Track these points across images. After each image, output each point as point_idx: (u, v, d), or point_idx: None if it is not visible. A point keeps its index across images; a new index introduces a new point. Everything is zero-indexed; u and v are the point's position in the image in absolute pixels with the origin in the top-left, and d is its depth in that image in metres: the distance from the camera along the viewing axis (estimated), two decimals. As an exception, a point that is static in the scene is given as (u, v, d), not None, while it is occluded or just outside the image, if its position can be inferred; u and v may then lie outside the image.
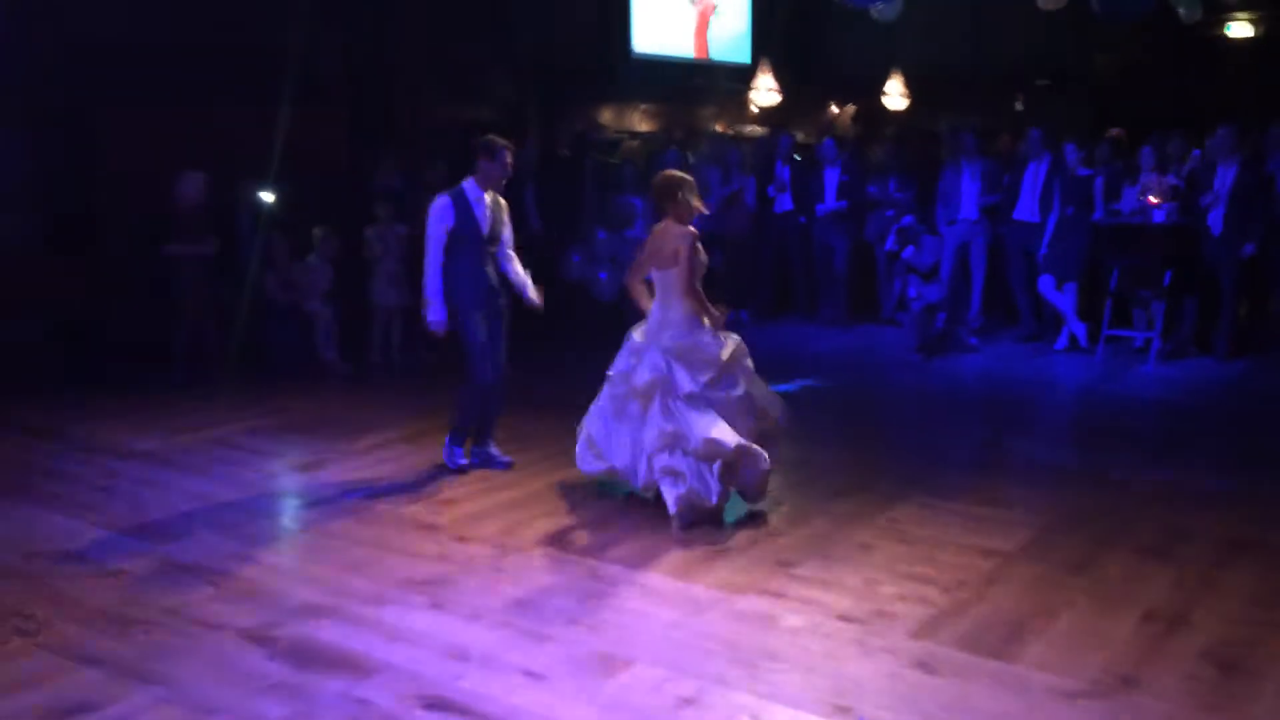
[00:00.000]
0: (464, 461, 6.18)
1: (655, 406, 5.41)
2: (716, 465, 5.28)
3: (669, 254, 5.50)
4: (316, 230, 8.67)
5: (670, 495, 5.29)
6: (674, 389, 5.38)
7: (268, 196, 8.67)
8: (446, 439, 6.21)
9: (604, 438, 5.70)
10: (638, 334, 5.65)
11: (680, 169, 10.30)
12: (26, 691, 3.71)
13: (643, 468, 5.46)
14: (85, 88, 8.81)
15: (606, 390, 5.74)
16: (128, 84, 8.82)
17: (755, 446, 5.38)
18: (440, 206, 5.93)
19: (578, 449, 5.82)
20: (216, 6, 9.24)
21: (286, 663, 3.93)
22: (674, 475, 5.32)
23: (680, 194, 5.57)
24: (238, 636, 4.13)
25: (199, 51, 9.12)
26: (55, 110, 8.84)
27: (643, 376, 5.44)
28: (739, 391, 5.48)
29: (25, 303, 8.55)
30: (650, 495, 5.50)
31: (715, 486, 5.27)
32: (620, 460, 5.61)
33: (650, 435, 5.39)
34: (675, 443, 5.33)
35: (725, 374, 5.45)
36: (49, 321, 8.69)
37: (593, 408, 5.81)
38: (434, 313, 5.96)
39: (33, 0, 8.49)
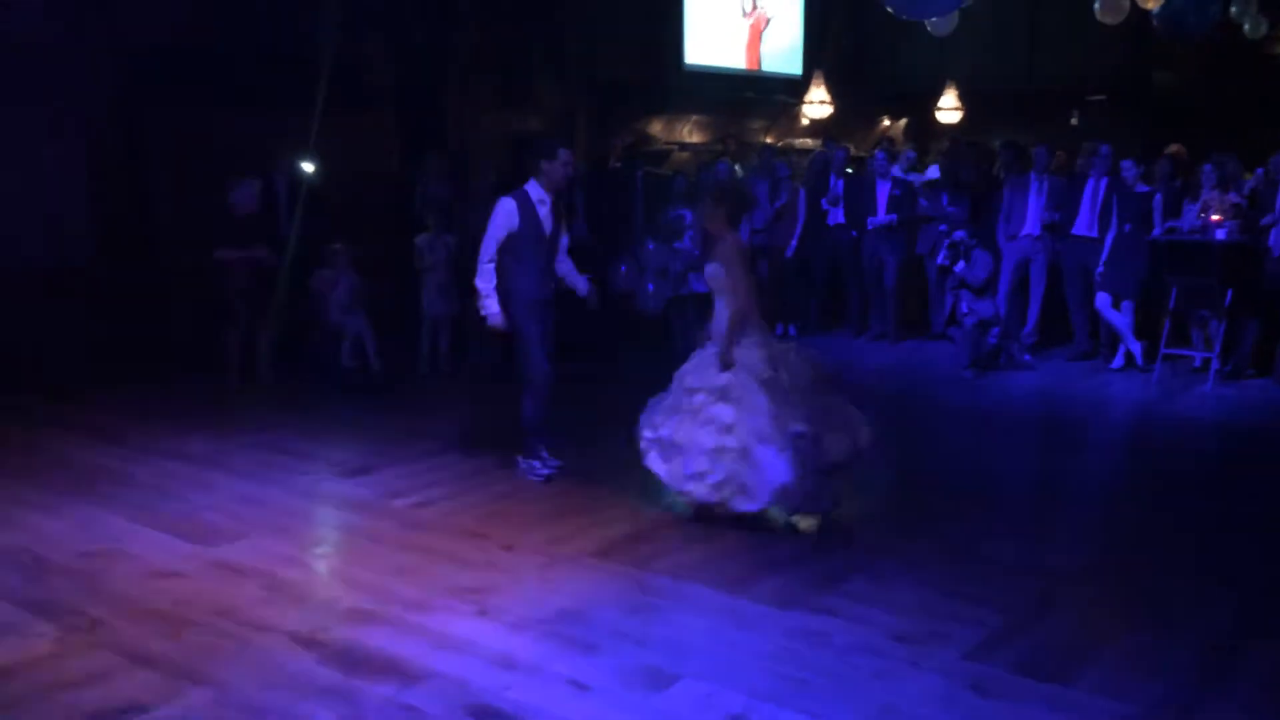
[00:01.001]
0: (546, 471, 6.14)
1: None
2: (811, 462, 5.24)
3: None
4: (335, 245, 8.59)
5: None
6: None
7: (308, 166, 8.67)
8: (519, 458, 6.20)
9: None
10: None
11: (730, 182, 10.41)
12: (80, 690, 3.75)
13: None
14: (137, 95, 8.95)
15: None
16: (180, 91, 8.95)
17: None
18: (507, 209, 5.95)
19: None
20: (268, 13, 9.36)
21: (335, 667, 3.94)
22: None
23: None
24: (287, 639, 4.14)
25: (251, 58, 9.24)
26: (108, 117, 8.98)
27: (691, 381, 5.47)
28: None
29: (82, 307, 8.69)
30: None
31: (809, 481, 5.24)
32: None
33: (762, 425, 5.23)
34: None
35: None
36: (105, 325, 8.81)
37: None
38: (490, 306, 5.97)
39: (85, 7, 8.63)
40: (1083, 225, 9.43)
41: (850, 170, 11.20)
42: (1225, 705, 3.74)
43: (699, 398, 5.42)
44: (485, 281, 5.97)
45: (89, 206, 8.98)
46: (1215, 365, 8.70)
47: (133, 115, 9.06)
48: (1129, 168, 9.13)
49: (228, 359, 8.26)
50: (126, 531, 5.27)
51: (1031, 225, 9.70)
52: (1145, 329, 9.08)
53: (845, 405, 5.58)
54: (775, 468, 5.20)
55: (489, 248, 5.96)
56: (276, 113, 8.95)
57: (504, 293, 6.00)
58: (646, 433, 5.60)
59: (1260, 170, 9.17)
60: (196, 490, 5.91)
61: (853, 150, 13.00)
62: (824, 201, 10.59)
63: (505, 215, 5.94)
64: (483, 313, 6.03)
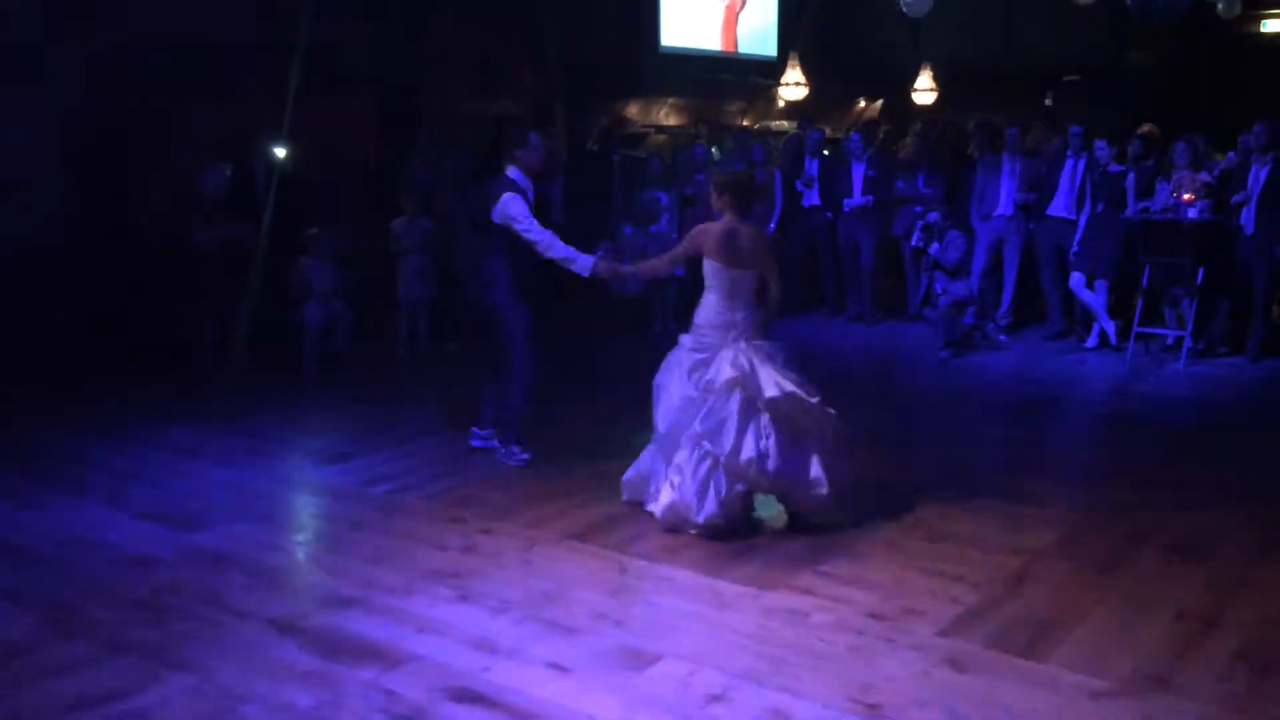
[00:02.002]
0: (526, 455, 6.14)
1: (728, 404, 5.07)
2: (738, 486, 5.07)
3: (750, 255, 5.31)
4: (313, 230, 8.49)
5: (667, 496, 5.16)
6: (760, 391, 5.05)
7: (281, 152, 8.60)
8: (497, 443, 6.21)
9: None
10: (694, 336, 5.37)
11: (705, 164, 10.42)
12: (59, 678, 3.75)
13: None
14: (113, 80, 8.86)
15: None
16: (156, 74, 8.87)
17: (815, 472, 5.13)
18: (518, 200, 5.84)
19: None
20: (246, -2, 9.28)
21: (315, 652, 3.95)
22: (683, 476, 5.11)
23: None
24: (267, 626, 4.15)
25: (228, 43, 9.16)
26: (84, 103, 8.89)
27: (724, 374, 5.10)
28: (817, 400, 5.17)
29: (56, 294, 8.62)
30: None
31: (711, 508, 5.03)
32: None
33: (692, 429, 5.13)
34: (704, 445, 5.10)
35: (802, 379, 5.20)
36: (80, 312, 8.75)
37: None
38: (582, 261, 5.82)
39: (61, -3, 8.56)
40: (1059, 207, 9.49)
41: (826, 152, 11.21)
42: (1197, 676, 3.80)
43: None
44: (561, 247, 5.84)
45: (64, 190, 8.90)
46: (1188, 343, 8.79)
47: (108, 98, 8.97)
48: (1103, 148, 9.19)
49: (203, 343, 8.21)
50: (105, 519, 5.25)
51: (1004, 205, 9.76)
52: (1118, 308, 9.16)
53: (813, 412, 5.17)
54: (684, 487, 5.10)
55: (534, 224, 5.83)
56: (254, 97, 8.89)
57: (493, 276, 5.97)
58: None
59: (1231, 153, 9.24)
60: (175, 477, 5.90)
61: (829, 132, 13.02)
62: (798, 183, 10.60)
63: (520, 206, 5.85)
64: (587, 273, 5.84)
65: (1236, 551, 4.96)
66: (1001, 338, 9.49)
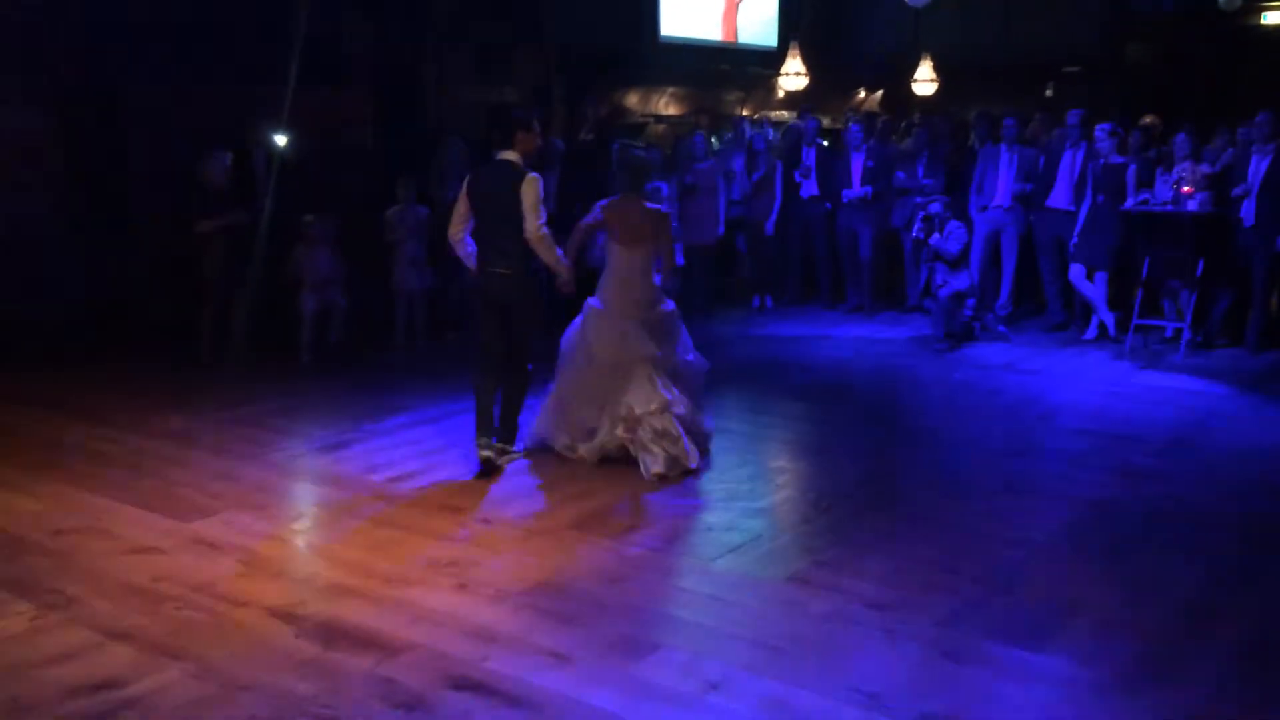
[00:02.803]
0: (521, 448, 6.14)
1: (643, 374, 5.80)
2: (618, 431, 5.77)
3: (641, 232, 5.84)
4: (309, 217, 8.40)
5: (660, 455, 5.70)
6: (658, 359, 5.83)
7: (280, 140, 8.57)
8: (512, 447, 6.11)
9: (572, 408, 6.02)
10: (596, 306, 5.99)
11: (705, 153, 10.39)
12: (56, 667, 3.74)
13: (603, 429, 5.84)
14: (113, 66, 8.84)
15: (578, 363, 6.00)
16: (155, 63, 8.84)
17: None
18: (541, 182, 5.74)
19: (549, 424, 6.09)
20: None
21: (314, 641, 3.94)
22: (669, 438, 5.74)
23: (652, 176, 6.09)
24: (265, 614, 4.15)
25: (227, 30, 9.13)
26: (84, 89, 8.87)
27: (632, 348, 5.80)
28: (691, 357, 6.08)
29: (55, 281, 8.61)
30: (596, 455, 5.86)
31: (692, 449, 5.79)
32: (579, 427, 5.97)
33: (639, 399, 5.76)
34: (666, 408, 5.76)
35: (681, 342, 6.05)
36: (78, 300, 8.74)
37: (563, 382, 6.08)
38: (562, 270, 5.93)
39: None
40: (1059, 198, 9.47)
41: (825, 142, 11.18)
42: (1197, 668, 3.80)
43: (582, 361, 5.99)
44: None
45: (64, 177, 8.88)
46: (1187, 335, 8.78)
47: (108, 89, 8.95)
48: (1102, 136, 9.14)
49: (202, 331, 8.20)
50: (103, 509, 5.24)
51: (1002, 196, 9.74)
52: (1118, 300, 9.15)
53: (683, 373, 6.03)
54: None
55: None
56: (252, 85, 8.87)
57: (527, 267, 5.83)
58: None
59: (1228, 148, 9.21)
60: (173, 466, 5.89)
61: (828, 122, 13.00)
62: (796, 174, 10.59)
63: (542, 189, 5.76)
64: (564, 276, 5.89)
65: (1237, 544, 4.96)
66: (1001, 329, 9.48)
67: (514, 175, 5.69)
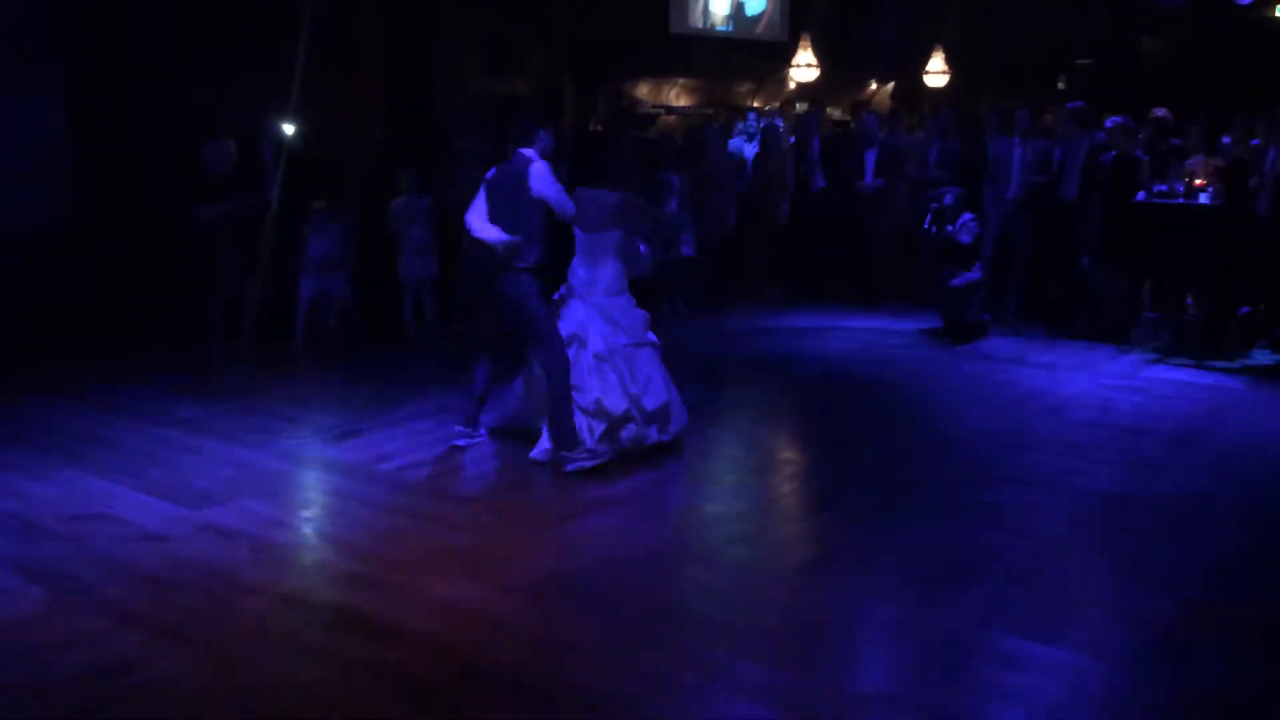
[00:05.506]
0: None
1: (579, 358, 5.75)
2: (599, 427, 5.63)
3: (604, 219, 5.85)
4: (317, 203, 8.43)
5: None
6: (586, 345, 5.75)
7: (289, 128, 8.57)
8: (562, 453, 5.90)
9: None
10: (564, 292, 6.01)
11: (716, 145, 10.37)
12: (69, 651, 3.77)
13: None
14: (121, 56, 8.86)
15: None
16: (164, 53, 8.86)
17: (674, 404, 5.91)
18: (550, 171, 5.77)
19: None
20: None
21: (323, 628, 3.96)
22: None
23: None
24: (276, 601, 4.17)
25: (236, 21, 9.14)
26: (93, 78, 8.89)
27: (565, 330, 5.77)
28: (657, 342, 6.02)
29: (65, 269, 8.63)
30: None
31: (601, 448, 5.63)
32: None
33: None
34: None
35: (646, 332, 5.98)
36: (88, 288, 8.76)
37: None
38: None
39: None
40: (1071, 190, 9.43)
41: (835, 133, 11.15)
42: (1206, 657, 3.80)
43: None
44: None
45: (73, 165, 8.90)
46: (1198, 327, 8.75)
47: (116, 78, 8.97)
48: (1112, 127, 9.07)
49: (210, 320, 8.20)
50: (115, 496, 5.27)
51: (1014, 188, 9.70)
52: (1129, 293, 9.10)
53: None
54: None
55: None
56: (263, 74, 8.87)
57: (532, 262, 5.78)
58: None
59: (1255, 141, 9.14)
60: (184, 454, 5.92)
61: (839, 114, 12.96)
62: (802, 166, 10.57)
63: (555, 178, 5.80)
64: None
65: (1246, 535, 4.95)
66: (1010, 321, 9.45)
67: (526, 173, 5.74)
